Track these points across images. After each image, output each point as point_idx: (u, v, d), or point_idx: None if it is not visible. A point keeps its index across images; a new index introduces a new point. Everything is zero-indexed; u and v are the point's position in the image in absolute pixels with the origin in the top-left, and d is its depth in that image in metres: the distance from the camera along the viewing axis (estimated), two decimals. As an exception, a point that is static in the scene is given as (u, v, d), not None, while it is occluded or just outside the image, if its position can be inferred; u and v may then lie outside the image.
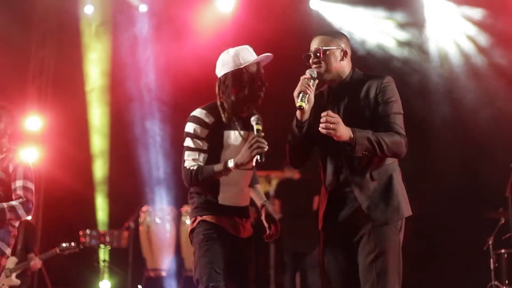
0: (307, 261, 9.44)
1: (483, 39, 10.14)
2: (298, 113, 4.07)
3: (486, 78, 10.04)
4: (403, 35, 10.70)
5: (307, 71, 4.10)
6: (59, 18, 11.45)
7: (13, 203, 5.17)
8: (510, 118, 9.50)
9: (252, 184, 4.71)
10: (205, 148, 4.38)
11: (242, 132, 4.45)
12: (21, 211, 5.17)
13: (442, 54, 10.50)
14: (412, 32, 10.69)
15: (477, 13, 10.13)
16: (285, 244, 9.62)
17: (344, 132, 3.86)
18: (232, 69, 4.43)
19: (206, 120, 4.41)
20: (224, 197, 4.42)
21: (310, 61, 4.20)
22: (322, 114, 3.89)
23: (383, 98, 4.07)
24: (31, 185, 5.30)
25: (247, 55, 4.48)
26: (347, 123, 3.95)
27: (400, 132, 4.03)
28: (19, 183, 5.24)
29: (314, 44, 4.23)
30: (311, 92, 4.02)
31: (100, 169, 10.89)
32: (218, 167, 4.28)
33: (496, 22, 9.92)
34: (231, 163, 4.25)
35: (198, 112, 4.45)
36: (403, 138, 4.02)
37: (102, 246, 9.24)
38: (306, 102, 4.00)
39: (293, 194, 9.44)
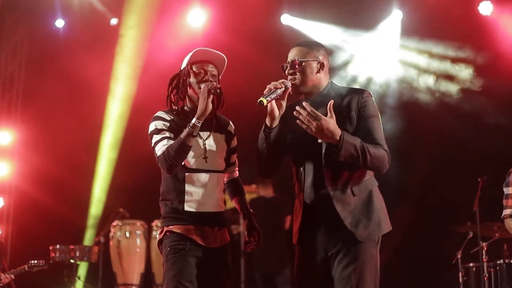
0: (277, 280, 9.44)
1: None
2: (267, 119, 4.02)
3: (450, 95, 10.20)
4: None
5: (284, 80, 4.02)
6: (30, 32, 11.43)
7: None
8: (477, 132, 9.61)
9: (234, 194, 4.66)
10: (172, 136, 4.28)
11: (201, 133, 4.35)
12: None
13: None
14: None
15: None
16: (256, 263, 9.62)
17: (328, 133, 3.79)
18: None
19: (165, 117, 4.39)
20: (191, 203, 4.30)
21: (286, 72, 4.13)
22: (303, 105, 3.81)
23: (364, 113, 4.00)
24: None
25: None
26: None
27: (385, 147, 3.99)
28: None
29: (291, 55, 4.15)
30: (277, 92, 3.93)
31: (71, 183, 10.83)
32: (183, 132, 4.18)
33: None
34: (193, 119, 4.18)
35: (157, 113, 4.44)
36: (387, 154, 3.98)
37: (72, 260, 9.17)
38: (267, 99, 3.89)
39: (266, 212, 9.36)
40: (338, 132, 3.81)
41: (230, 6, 10.67)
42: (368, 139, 3.96)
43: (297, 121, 3.82)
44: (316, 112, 3.80)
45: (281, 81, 4.00)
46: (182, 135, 4.18)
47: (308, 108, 3.79)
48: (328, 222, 3.99)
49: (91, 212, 11.20)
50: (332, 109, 3.84)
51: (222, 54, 4.49)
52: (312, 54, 4.13)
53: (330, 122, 3.80)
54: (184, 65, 4.50)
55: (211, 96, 4.23)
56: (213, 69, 4.45)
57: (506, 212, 5.70)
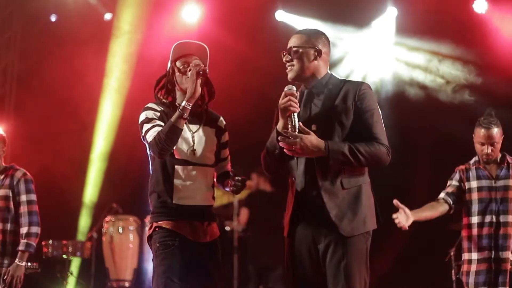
0: (271, 276, 9.44)
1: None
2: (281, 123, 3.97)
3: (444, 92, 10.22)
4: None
5: (286, 88, 3.93)
6: (23, 26, 11.39)
7: (25, 230, 5.93)
8: (473, 130, 9.62)
9: (225, 178, 4.54)
10: (162, 125, 4.25)
11: (191, 126, 4.37)
12: (34, 230, 5.95)
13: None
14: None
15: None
16: (251, 257, 9.62)
17: (313, 148, 3.81)
18: None
19: (156, 107, 4.38)
20: (180, 196, 4.27)
21: (284, 59, 4.13)
22: (283, 133, 3.85)
23: (362, 106, 3.99)
24: (34, 197, 5.97)
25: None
26: (318, 126, 3.94)
27: (382, 141, 3.98)
28: (23, 197, 5.90)
29: (290, 43, 4.15)
30: (298, 109, 3.91)
31: (64, 177, 10.80)
32: (174, 115, 4.16)
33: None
34: (183, 102, 4.15)
35: (148, 104, 4.43)
36: (385, 147, 3.97)
37: (64, 256, 9.14)
38: (298, 121, 3.88)
39: (263, 206, 9.39)
40: (322, 144, 3.84)
41: (225, 2, 10.66)
42: (366, 134, 3.97)
43: (284, 150, 3.88)
44: (293, 133, 3.84)
45: (288, 95, 3.91)
46: (173, 118, 4.15)
47: (285, 133, 3.84)
48: (316, 213, 3.96)
49: (84, 207, 11.17)
50: (304, 127, 3.87)
51: (203, 44, 4.47)
52: (310, 41, 4.12)
53: (311, 138, 3.84)
54: (169, 64, 4.48)
55: (200, 78, 4.21)
56: (196, 60, 4.42)
57: (440, 195, 6.35)
